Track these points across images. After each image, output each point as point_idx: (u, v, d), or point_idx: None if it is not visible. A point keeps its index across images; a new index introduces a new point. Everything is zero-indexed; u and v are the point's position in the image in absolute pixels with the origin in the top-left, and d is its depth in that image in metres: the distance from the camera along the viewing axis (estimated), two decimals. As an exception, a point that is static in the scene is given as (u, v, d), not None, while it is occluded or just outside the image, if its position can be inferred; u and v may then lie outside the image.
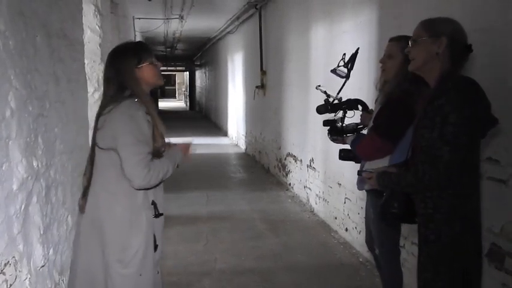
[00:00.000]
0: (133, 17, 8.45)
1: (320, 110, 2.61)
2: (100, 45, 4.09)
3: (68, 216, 2.33)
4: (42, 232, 1.86)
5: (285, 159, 6.21)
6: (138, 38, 10.37)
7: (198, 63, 21.28)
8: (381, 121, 2.28)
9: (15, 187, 1.57)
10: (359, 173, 2.32)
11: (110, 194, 1.82)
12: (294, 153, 5.82)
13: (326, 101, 2.59)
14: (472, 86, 1.70)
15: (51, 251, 1.98)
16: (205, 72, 18.88)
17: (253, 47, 7.90)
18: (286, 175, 6.17)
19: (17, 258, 1.56)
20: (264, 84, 7.25)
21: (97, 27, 4.06)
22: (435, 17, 1.81)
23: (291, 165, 5.93)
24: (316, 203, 4.93)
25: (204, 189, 6.11)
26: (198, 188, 6.19)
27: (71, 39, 2.69)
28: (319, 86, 2.75)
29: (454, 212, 1.72)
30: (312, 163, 5.08)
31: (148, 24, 9.29)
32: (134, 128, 1.76)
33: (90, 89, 4.09)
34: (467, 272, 1.77)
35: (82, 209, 1.85)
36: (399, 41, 2.28)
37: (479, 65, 2.25)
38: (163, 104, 27.85)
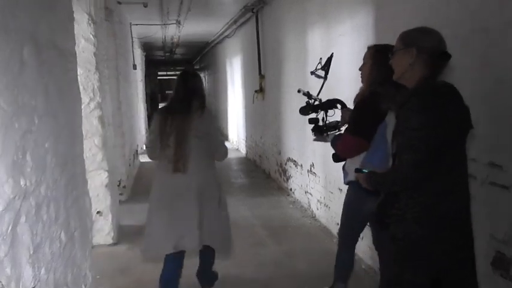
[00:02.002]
0: (130, 23, 8.42)
1: (302, 111, 2.79)
2: (94, 54, 4.04)
3: (61, 233, 2.27)
4: (32, 252, 1.80)
5: (286, 164, 6.15)
6: (136, 44, 10.34)
7: (198, 67, 21.27)
8: (350, 121, 2.54)
9: (0, 208, 1.52)
10: (343, 168, 2.62)
11: (206, 166, 2.92)
12: (294, 158, 5.76)
13: (307, 102, 2.75)
14: (439, 91, 1.78)
15: (42, 271, 1.92)
16: (204, 76, 18.84)
17: (251, 50, 7.86)
18: (287, 180, 6.11)
19: (4, 283, 1.51)
20: (262, 88, 7.20)
21: (91, 36, 4.01)
22: (413, 28, 1.91)
23: (292, 170, 5.87)
24: (317, 209, 4.87)
25: (204, 195, 6.06)
26: (198, 194, 6.14)
27: (62, 50, 2.63)
28: (301, 89, 2.91)
29: (426, 212, 1.78)
30: (312, 168, 5.02)
31: (145, 30, 9.25)
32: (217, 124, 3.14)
33: (85, 99, 4.04)
34: (441, 272, 1.82)
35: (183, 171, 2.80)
36: (369, 49, 2.54)
37: (478, 65, 2.19)
38: (164, 108, 27.80)
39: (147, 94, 19.16)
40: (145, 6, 6.51)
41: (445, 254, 1.80)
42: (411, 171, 1.75)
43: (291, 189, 5.95)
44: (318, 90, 2.82)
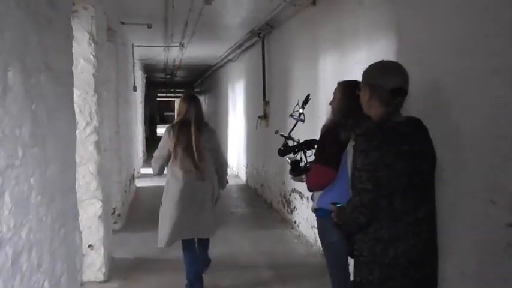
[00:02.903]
0: (132, 44, 8.23)
1: (281, 153, 2.78)
2: (94, 75, 3.79)
3: (44, 281, 1.97)
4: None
5: (290, 195, 5.84)
6: (138, 66, 10.15)
7: (198, 90, 21.13)
8: (316, 152, 2.59)
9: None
10: (312, 198, 2.64)
11: (213, 173, 3.59)
12: (299, 190, 5.46)
13: (285, 144, 2.76)
14: (388, 132, 1.75)
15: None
16: (205, 99, 18.66)
17: (256, 75, 7.65)
18: (291, 212, 5.79)
19: None
20: (266, 114, 6.95)
21: (91, 56, 3.77)
22: (374, 63, 2.02)
23: (297, 202, 5.56)
24: (325, 246, 4.54)
25: (203, 226, 5.73)
26: (197, 225, 5.80)
27: (56, 72, 2.38)
28: (278, 131, 3.01)
29: (373, 257, 1.76)
30: (320, 202, 4.71)
31: (148, 51, 9.07)
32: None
33: (82, 123, 3.77)
34: None
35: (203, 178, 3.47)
36: (339, 85, 2.67)
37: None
38: (162, 130, 27.55)
39: (146, 116, 18.97)
40: (150, 27, 6.31)
41: None
42: (356, 214, 1.76)
43: (295, 222, 5.63)
44: (290, 129, 2.92)
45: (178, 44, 8.30)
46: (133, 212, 6.61)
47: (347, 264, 2.59)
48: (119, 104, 5.73)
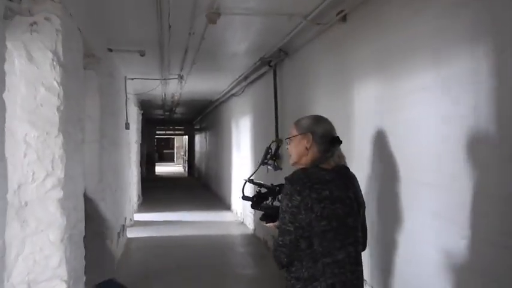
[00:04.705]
0: (125, 77, 7.32)
1: (255, 205, 2.53)
2: (58, 109, 2.78)
3: None
4: None
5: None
6: (132, 101, 9.22)
7: (198, 127, 20.25)
8: None
9: None
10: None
11: None
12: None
13: (258, 191, 2.55)
14: (313, 178, 1.87)
15: None
16: (205, 137, 17.73)
17: (264, 110, 6.69)
18: (315, 278, 4.66)
19: None
20: (279, 155, 5.93)
21: (55, 83, 2.77)
22: (305, 116, 2.12)
23: (323, 265, 4.45)
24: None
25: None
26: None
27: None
28: (245, 179, 2.78)
29: None
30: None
31: (143, 85, 8.17)
32: None
33: (40, 174, 2.76)
34: None
35: None
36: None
37: None
38: (161, 168, 26.57)
39: (143, 155, 17.98)
40: (143, 55, 5.39)
41: None
42: (278, 253, 1.89)
43: None
44: (251, 174, 2.85)
45: (176, 76, 7.40)
46: (120, 276, 5.47)
47: None
48: (104, 146, 4.70)
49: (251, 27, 4.81)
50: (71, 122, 3.04)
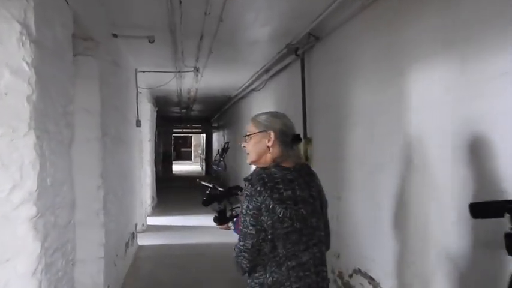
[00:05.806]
0: (136, 69, 6.67)
1: (205, 203, 2.39)
2: (29, 99, 2.10)
3: None
4: None
5: (351, 277, 3.98)
6: (146, 97, 8.59)
7: (216, 125, 19.61)
8: None
9: None
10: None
11: None
12: (365, 270, 3.62)
13: (209, 193, 2.41)
14: (274, 178, 1.79)
15: None
16: (223, 135, 17.05)
17: (288, 105, 5.95)
18: (354, 304, 3.93)
19: None
20: (308, 156, 5.19)
21: (25, 65, 2.10)
22: (263, 112, 2.01)
23: (364, 291, 3.71)
24: None
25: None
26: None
27: None
28: (199, 180, 2.71)
29: None
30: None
31: (156, 78, 7.51)
32: None
33: (5, 186, 2.06)
34: None
35: None
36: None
37: None
38: (178, 167, 26.08)
39: (159, 153, 17.43)
40: (152, 41, 4.71)
41: None
42: (240, 259, 1.80)
43: (359, 321, 3.76)
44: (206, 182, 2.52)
45: (192, 69, 6.71)
46: (127, 293, 4.81)
47: None
48: (106, 146, 4.03)
49: (275, 6, 4.08)
50: (50, 116, 2.36)
